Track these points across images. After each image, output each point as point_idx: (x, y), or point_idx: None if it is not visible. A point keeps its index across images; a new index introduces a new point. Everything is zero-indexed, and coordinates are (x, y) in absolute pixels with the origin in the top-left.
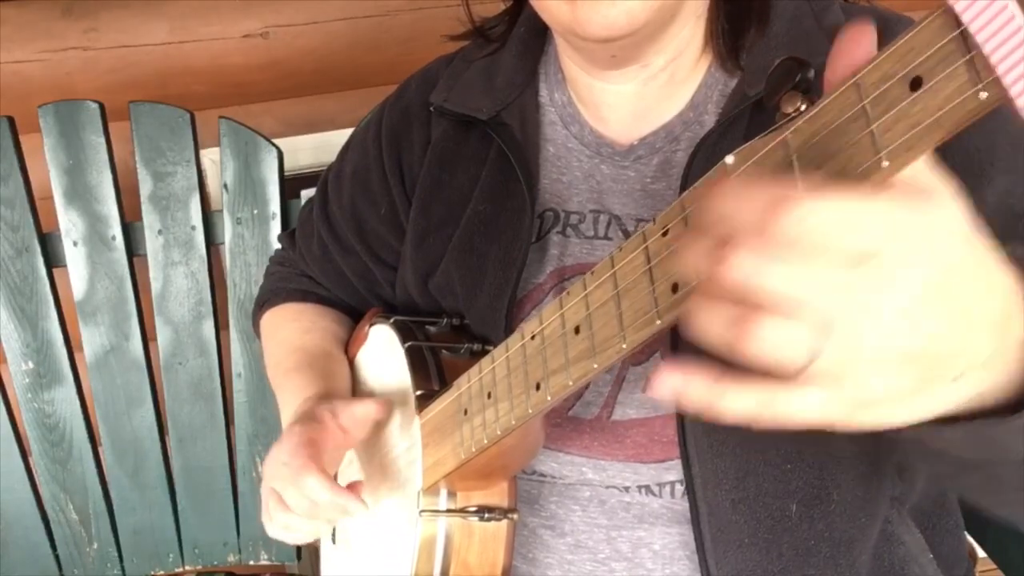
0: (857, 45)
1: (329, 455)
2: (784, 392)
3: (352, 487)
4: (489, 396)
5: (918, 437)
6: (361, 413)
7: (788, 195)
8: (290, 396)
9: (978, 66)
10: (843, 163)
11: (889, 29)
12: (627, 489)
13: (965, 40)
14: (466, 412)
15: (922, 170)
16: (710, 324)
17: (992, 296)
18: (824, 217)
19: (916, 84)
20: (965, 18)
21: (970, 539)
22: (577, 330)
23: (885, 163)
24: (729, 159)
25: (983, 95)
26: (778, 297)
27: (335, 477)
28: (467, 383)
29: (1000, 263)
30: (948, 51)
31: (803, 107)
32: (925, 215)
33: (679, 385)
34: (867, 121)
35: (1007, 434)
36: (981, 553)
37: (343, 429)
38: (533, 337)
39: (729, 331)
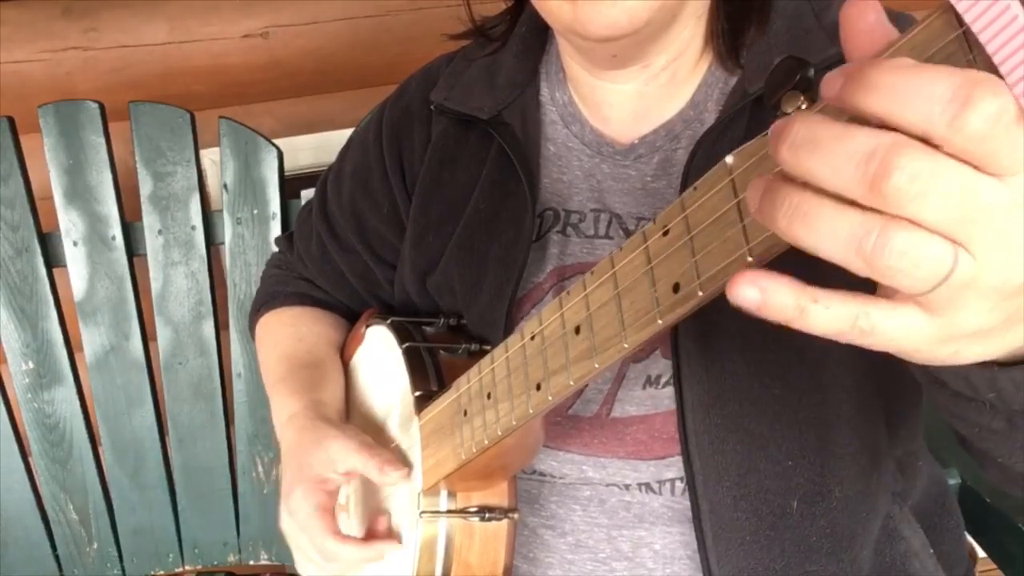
0: (860, 17)
1: (334, 503)
2: (881, 309)
3: (372, 533)
4: (489, 397)
5: (989, 376)
6: (356, 463)
7: (982, 79)
8: (278, 407)
9: (980, 66)
10: None
11: None
12: (627, 487)
13: (967, 40)
14: (466, 413)
15: None
16: (835, 230)
17: None
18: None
19: None
20: (967, 18)
21: (970, 539)
22: (578, 330)
23: None
24: (729, 159)
25: None
26: (936, 211)
27: None
28: (466, 384)
29: None
30: (950, 51)
31: (804, 106)
32: None
33: (762, 292)
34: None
35: None
36: (981, 553)
37: (346, 476)
38: (533, 337)
39: (863, 239)
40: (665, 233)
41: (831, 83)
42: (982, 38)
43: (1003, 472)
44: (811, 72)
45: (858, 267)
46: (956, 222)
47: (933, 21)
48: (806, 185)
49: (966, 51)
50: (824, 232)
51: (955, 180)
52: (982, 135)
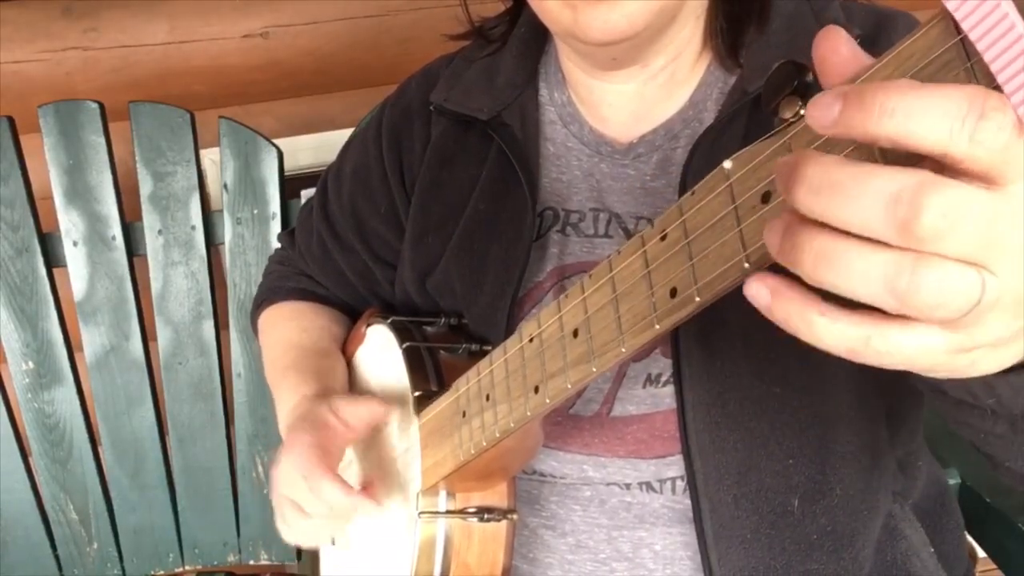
0: (833, 50)
1: (333, 455)
2: (897, 329)
3: (366, 489)
4: (488, 398)
5: (986, 382)
6: (363, 414)
7: (990, 92)
8: (286, 394)
9: (977, 74)
10: None
11: (888, 26)
12: (628, 487)
13: (964, 47)
14: (464, 414)
15: None
16: (866, 272)
17: None
18: None
19: None
20: (965, 26)
21: (970, 539)
22: (575, 333)
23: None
24: (727, 164)
25: None
26: (964, 243)
27: None
28: (466, 385)
29: None
30: (947, 58)
31: (803, 111)
32: None
33: (772, 294)
34: (871, 144)
35: None
36: (981, 553)
37: (346, 426)
38: (531, 340)
39: (895, 280)
40: (663, 238)
41: (825, 108)
42: (980, 46)
43: (1012, 475)
44: (809, 77)
45: (891, 306)
46: (981, 248)
47: (931, 28)
48: (825, 224)
49: (964, 59)
50: (855, 275)
51: (979, 207)
52: (1004, 146)
